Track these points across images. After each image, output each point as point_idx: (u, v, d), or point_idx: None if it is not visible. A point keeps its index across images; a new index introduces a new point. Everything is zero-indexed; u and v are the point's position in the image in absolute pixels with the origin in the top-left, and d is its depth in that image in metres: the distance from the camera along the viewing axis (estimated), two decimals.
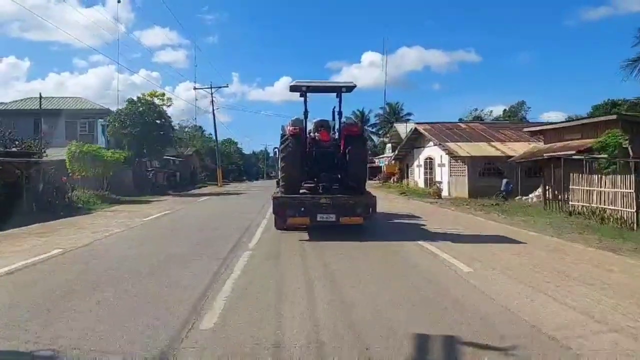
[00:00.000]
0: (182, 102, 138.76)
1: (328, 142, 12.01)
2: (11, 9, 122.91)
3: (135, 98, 30.64)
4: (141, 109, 29.27)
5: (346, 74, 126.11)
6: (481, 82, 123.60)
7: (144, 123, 28.87)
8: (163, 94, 33.05)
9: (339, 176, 11.84)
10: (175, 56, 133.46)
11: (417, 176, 35.09)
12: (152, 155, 32.20)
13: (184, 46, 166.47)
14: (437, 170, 30.90)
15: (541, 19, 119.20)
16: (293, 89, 11.91)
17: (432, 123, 33.24)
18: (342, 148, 11.62)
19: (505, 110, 69.06)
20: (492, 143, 28.71)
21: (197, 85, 49.72)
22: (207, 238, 10.68)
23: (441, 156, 30.14)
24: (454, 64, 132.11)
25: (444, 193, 27.59)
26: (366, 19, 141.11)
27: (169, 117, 31.91)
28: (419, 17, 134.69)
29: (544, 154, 21.68)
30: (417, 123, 33.71)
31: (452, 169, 28.65)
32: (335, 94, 12.24)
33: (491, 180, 26.10)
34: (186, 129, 64.62)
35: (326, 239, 10.14)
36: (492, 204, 20.23)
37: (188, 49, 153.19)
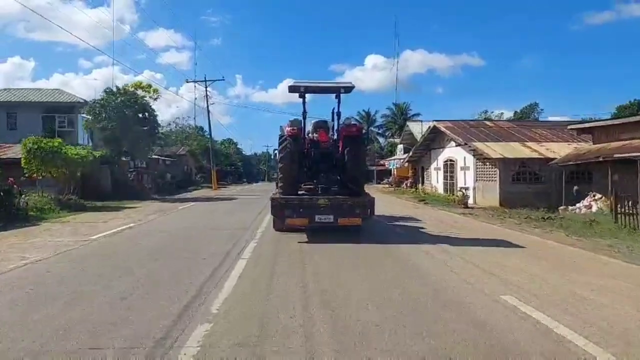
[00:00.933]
0: (185, 103, 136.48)
1: (327, 142, 11.82)
2: (16, 9, 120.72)
3: (114, 89, 26.50)
4: (119, 99, 25.11)
5: (349, 77, 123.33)
6: (485, 86, 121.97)
7: (123, 116, 24.67)
8: (149, 86, 28.90)
9: (338, 177, 11.64)
10: (179, 57, 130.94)
11: (435, 180, 31.13)
12: (134, 153, 28.12)
13: (187, 48, 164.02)
14: (460, 173, 26.94)
15: (544, 24, 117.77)
16: (292, 89, 11.68)
17: (453, 121, 29.31)
18: (340, 149, 11.35)
19: (516, 112, 65.40)
20: (527, 143, 24.73)
21: (191, 79, 45.95)
22: (154, 280, 6.74)
23: (465, 158, 26.22)
24: (458, 68, 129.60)
25: (469, 200, 23.64)
26: (369, 22, 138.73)
27: (154, 111, 27.60)
28: (423, 22, 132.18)
29: (604, 156, 17.76)
30: (437, 121, 29.73)
31: (478, 172, 24.72)
32: (334, 94, 12.03)
33: (525, 187, 22.26)
34: (187, 128, 61.14)
35: (348, 293, 6.29)
36: (541, 217, 16.28)
37: (192, 51, 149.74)
